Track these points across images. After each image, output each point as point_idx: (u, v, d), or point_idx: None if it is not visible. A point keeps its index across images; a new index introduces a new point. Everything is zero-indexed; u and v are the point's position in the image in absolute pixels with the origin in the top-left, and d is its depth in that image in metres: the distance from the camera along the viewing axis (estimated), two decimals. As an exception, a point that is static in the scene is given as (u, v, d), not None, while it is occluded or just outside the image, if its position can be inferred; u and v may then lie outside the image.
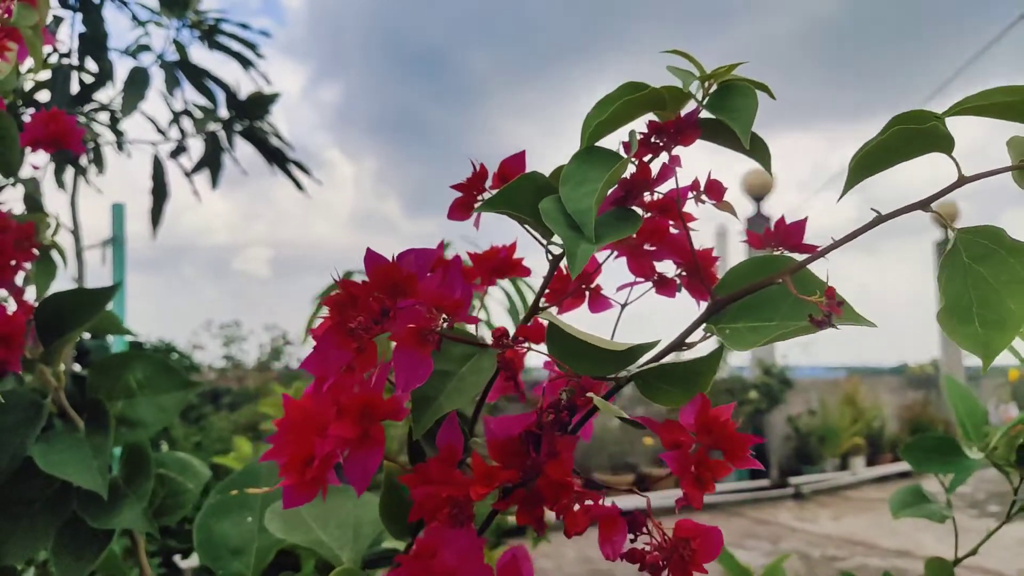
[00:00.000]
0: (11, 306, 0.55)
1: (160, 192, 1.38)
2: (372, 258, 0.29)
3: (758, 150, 0.33)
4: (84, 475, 0.54)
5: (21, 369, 0.54)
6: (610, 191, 0.34)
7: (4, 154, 0.56)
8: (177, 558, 2.15)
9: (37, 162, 0.76)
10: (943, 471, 0.63)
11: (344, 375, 0.30)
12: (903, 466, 5.99)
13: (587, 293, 0.39)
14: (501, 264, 0.38)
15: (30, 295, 0.61)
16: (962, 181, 0.29)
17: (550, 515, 0.29)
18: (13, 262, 0.54)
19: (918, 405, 6.91)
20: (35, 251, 0.56)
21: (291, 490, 0.29)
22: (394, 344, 0.29)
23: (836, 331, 0.29)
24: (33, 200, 0.79)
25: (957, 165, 0.30)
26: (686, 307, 0.36)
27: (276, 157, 1.47)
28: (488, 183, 0.36)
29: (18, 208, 0.69)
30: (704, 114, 0.34)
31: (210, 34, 1.44)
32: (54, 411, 0.60)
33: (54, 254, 0.63)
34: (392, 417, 0.29)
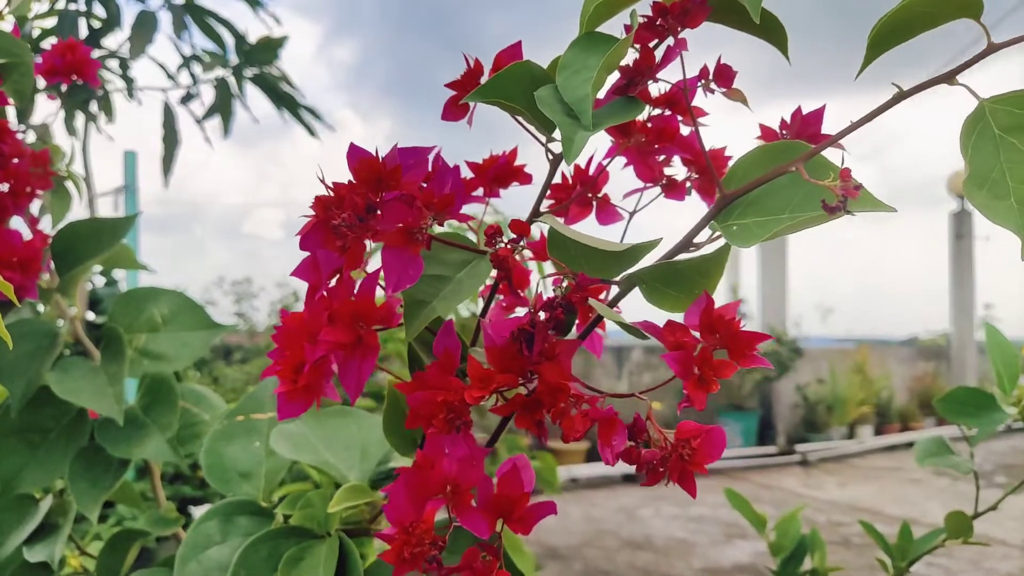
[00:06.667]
0: (27, 234, 0.55)
1: (171, 138, 1.38)
2: (355, 152, 0.27)
3: (772, 29, 0.30)
4: (99, 402, 0.54)
5: (37, 296, 0.54)
6: (613, 81, 0.32)
7: (18, 81, 0.55)
8: (191, 508, 2.19)
9: (52, 95, 0.75)
10: (977, 424, 0.63)
11: (338, 286, 0.29)
12: (911, 436, 5.99)
13: (595, 203, 0.37)
14: (502, 171, 0.36)
15: (45, 225, 0.60)
16: (991, 48, 0.28)
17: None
18: (29, 189, 0.53)
19: (928, 376, 6.88)
20: (50, 179, 0.55)
21: (285, 397, 0.28)
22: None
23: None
24: (44, 144, 0.78)
25: (987, 31, 0.28)
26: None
27: (286, 102, 1.46)
28: (484, 79, 0.34)
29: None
30: None
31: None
32: (69, 341, 0.60)
33: (69, 186, 0.63)
34: (385, 323, 0.28)
